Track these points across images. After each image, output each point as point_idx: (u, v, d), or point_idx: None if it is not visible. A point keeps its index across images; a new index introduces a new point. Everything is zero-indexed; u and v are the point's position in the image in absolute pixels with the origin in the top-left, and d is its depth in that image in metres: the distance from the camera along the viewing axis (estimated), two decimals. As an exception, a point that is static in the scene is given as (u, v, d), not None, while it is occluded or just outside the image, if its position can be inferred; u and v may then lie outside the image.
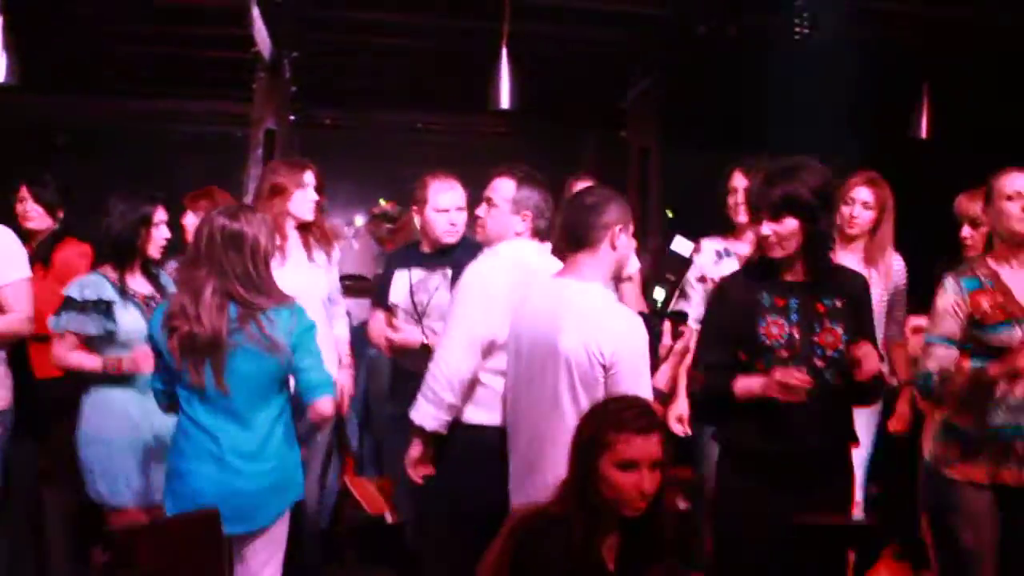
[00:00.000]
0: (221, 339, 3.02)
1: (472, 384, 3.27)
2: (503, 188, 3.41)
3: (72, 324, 3.61)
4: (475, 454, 3.27)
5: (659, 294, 3.34)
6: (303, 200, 4.16)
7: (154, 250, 3.76)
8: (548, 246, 3.46)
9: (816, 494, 3.03)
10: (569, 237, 3.07)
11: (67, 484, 3.94)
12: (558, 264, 3.38)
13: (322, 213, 4.33)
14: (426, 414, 3.26)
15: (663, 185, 7.54)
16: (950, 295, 3.33)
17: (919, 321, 4.02)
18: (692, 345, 3.37)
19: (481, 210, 3.50)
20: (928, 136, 6.59)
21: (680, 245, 3.40)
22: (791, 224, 2.98)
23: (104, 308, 3.61)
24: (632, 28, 6.63)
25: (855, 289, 3.16)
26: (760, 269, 3.14)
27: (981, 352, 3.27)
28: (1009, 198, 3.29)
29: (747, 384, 3.03)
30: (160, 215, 3.74)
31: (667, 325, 3.16)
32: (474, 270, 3.32)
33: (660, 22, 6.37)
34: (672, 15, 6.18)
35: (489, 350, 3.24)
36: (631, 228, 3.08)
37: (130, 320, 3.63)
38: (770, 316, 3.06)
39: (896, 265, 4.31)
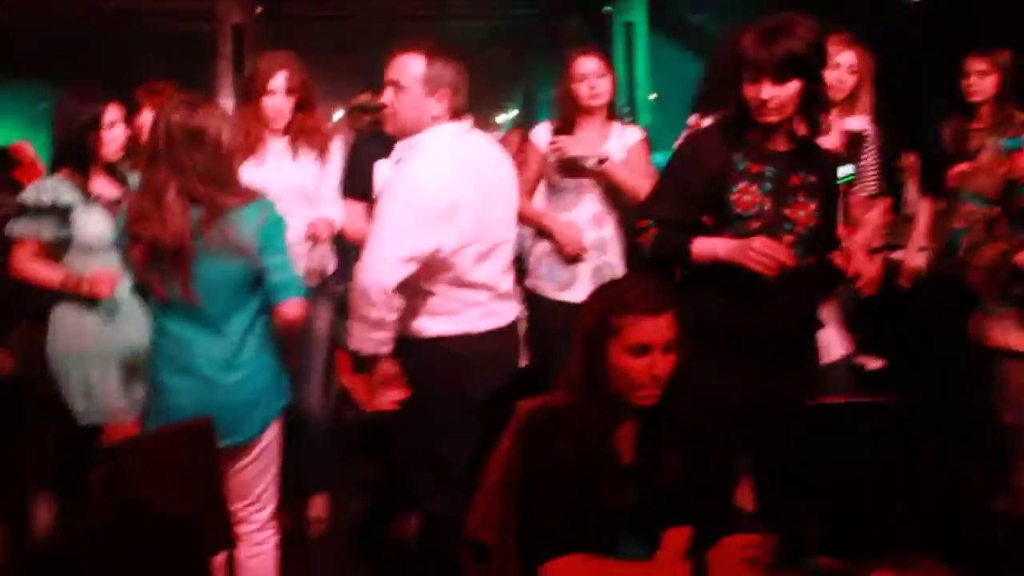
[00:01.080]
0: (186, 245, 2.84)
1: (424, 295, 2.99)
2: (411, 67, 2.99)
3: (28, 229, 3.43)
4: (442, 364, 2.98)
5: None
6: (270, 106, 3.94)
7: (111, 152, 3.53)
8: (469, 123, 3.10)
9: (784, 376, 2.83)
10: None
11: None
12: (488, 144, 3.17)
13: (305, 108, 4.07)
14: (366, 339, 2.97)
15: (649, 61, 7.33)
16: (988, 152, 3.16)
17: None
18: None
19: (387, 96, 3.05)
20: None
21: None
22: (794, 86, 2.77)
23: (61, 212, 3.42)
24: None
25: (828, 166, 2.95)
26: (737, 129, 2.86)
27: (1017, 214, 3.11)
28: None
29: (710, 245, 2.78)
30: (112, 114, 3.51)
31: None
32: (400, 177, 2.96)
33: None
34: None
35: (432, 263, 2.94)
36: None
37: (93, 225, 3.44)
38: (743, 182, 2.81)
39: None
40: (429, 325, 3.00)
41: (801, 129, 2.86)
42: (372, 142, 4.04)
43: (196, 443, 2.81)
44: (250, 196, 2.89)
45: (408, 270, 2.89)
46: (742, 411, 2.76)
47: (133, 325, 3.31)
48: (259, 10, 6.82)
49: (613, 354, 2.21)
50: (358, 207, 3.91)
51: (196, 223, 2.80)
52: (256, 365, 2.98)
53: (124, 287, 3.28)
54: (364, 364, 4.28)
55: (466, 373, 2.96)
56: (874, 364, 4.25)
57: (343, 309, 4.36)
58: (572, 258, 3.97)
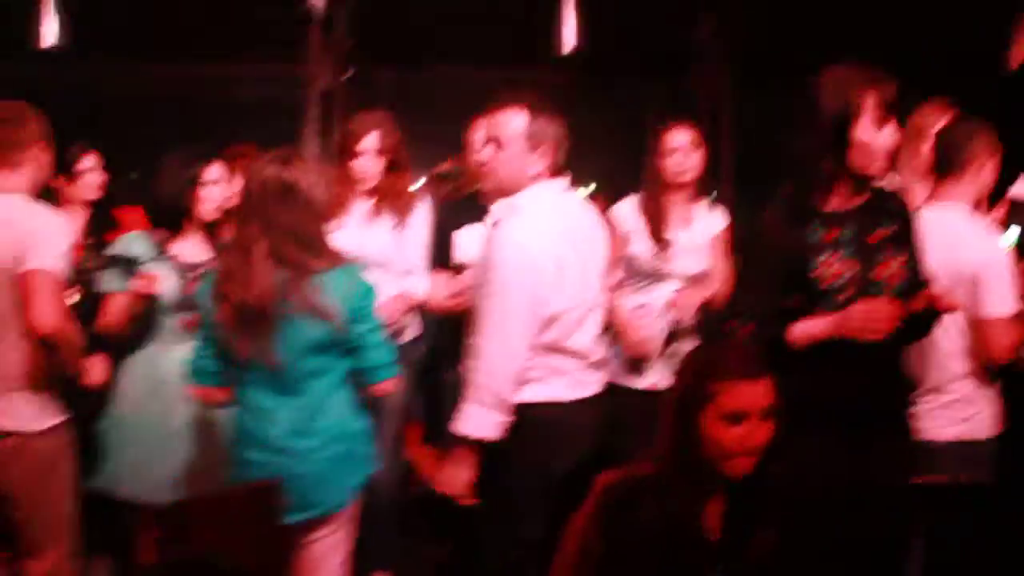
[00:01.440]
0: (270, 307, 2.77)
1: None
2: (512, 122, 2.88)
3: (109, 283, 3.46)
4: (531, 434, 2.86)
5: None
6: (359, 167, 3.91)
7: (207, 211, 3.53)
8: (568, 181, 3.02)
9: (881, 450, 2.69)
10: None
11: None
12: (585, 205, 3.06)
13: (396, 171, 4.03)
14: (482, 422, 2.81)
15: (736, 134, 7.19)
16: None
17: None
18: None
19: (486, 153, 2.96)
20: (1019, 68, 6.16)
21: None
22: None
23: (125, 264, 3.40)
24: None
25: (902, 209, 2.79)
26: (801, 199, 2.73)
27: None
28: None
29: (806, 330, 2.63)
30: (212, 173, 3.52)
31: None
32: (507, 238, 2.84)
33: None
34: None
35: (542, 329, 2.85)
36: None
37: (164, 286, 3.43)
38: (823, 254, 2.67)
39: None
40: (518, 392, 2.85)
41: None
42: (455, 210, 4.01)
43: (263, 507, 2.72)
44: (339, 260, 2.83)
45: (529, 343, 2.79)
46: (843, 487, 2.59)
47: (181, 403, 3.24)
48: (347, 75, 6.87)
49: (707, 421, 2.09)
50: (440, 277, 3.85)
51: (282, 285, 2.75)
52: (335, 433, 2.88)
53: (176, 362, 3.22)
54: (435, 438, 4.18)
55: (550, 442, 2.84)
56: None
57: (417, 377, 4.29)
58: (636, 360, 3.83)
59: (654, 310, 3.89)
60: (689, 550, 2.12)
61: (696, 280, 3.93)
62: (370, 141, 3.90)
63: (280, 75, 7.55)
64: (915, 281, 2.71)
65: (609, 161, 5.04)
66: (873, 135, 2.61)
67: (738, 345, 2.23)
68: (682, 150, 3.91)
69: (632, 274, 3.96)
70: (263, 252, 2.77)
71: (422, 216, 4.07)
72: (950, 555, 2.71)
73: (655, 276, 3.94)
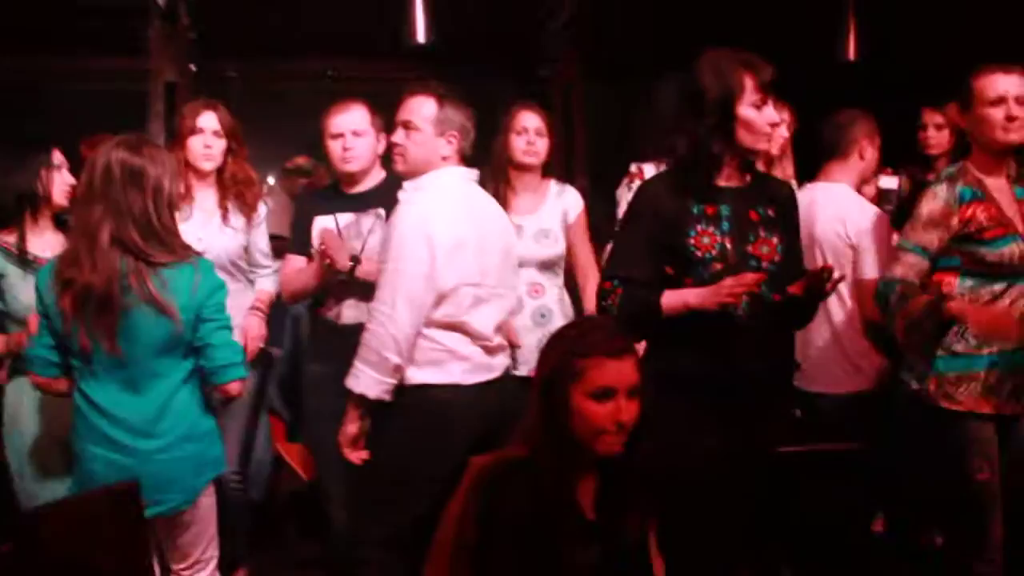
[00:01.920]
0: (114, 293, 2.68)
1: (416, 341, 2.98)
2: (423, 108, 3.12)
3: None
4: (427, 416, 3.00)
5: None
6: (197, 146, 3.83)
7: (59, 196, 3.40)
8: (475, 172, 3.20)
9: (760, 421, 2.84)
10: None
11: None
12: (489, 198, 3.20)
13: (236, 158, 3.98)
14: (370, 381, 2.96)
15: (588, 120, 7.31)
16: (939, 202, 3.12)
17: None
18: None
19: (399, 136, 3.17)
20: (856, 58, 6.46)
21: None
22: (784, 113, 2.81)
23: None
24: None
25: (784, 197, 2.97)
26: (686, 173, 2.86)
27: (974, 268, 3.08)
28: (992, 103, 3.09)
29: (680, 296, 2.75)
30: (58, 157, 3.39)
31: None
32: (408, 212, 3.01)
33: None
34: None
35: (436, 303, 2.98)
36: None
37: (30, 293, 3.25)
38: (700, 225, 2.81)
39: None
40: (416, 373, 2.99)
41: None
42: (320, 198, 3.99)
43: (119, 510, 2.65)
44: (186, 253, 2.76)
45: (426, 310, 2.92)
46: (716, 459, 2.68)
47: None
48: (193, 69, 6.70)
49: (575, 399, 2.12)
50: (300, 261, 3.82)
51: (125, 273, 2.66)
52: (180, 433, 2.83)
53: None
54: (297, 432, 4.15)
55: (447, 423, 2.95)
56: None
57: (272, 374, 4.24)
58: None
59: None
60: (564, 530, 2.14)
61: (548, 264, 3.98)
62: (207, 119, 3.87)
63: (124, 68, 7.31)
64: (788, 263, 2.82)
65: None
66: (755, 113, 2.74)
67: (603, 323, 2.29)
68: (533, 130, 4.00)
69: None
70: (107, 236, 2.68)
71: (263, 212, 4.07)
72: (828, 519, 2.84)
73: None
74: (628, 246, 2.91)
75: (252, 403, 4.10)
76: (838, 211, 3.74)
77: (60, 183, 3.42)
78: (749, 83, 2.77)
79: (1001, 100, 3.08)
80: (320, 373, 3.53)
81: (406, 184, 3.13)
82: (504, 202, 3.91)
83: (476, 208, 3.13)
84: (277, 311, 4.32)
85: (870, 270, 3.62)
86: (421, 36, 5.28)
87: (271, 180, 9.22)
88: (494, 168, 4.06)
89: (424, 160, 3.12)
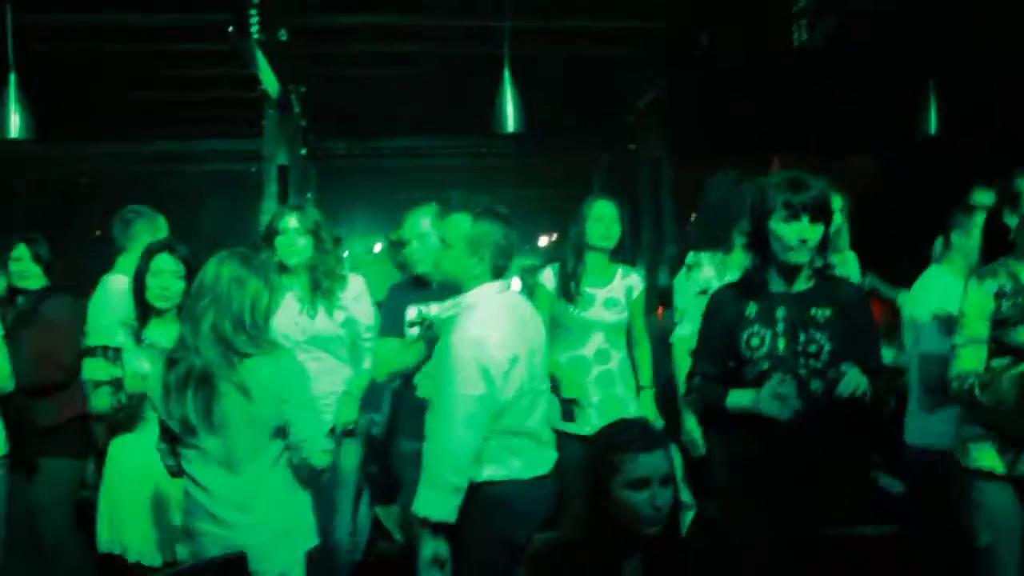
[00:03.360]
0: (211, 375, 3.01)
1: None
2: (458, 226, 3.23)
3: (85, 371, 3.71)
4: (489, 508, 3.10)
5: None
6: (284, 245, 4.19)
7: (157, 299, 3.72)
8: (511, 281, 3.34)
9: (821, 507, 3.01)
10: None
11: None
12: (524, 300, 3.37)
13: (325, 252, 4.29)
14: (438, 505, 3.03)
15: (676, 196, 7.57)
16: (975, 298, 3.31)
17: None
18: None
19: (435, 248, 3.34)
20: (938, 132, 6.56)
21: None
22: (821, 228, 3.03)
23: (112, 355, 3.65)
24: (632, 41, 6.62)
25: (847, 297, 3.16)
26: (750, 280, 3.16)
27: (1002, 352, 3.24)
28: None
29: (738, 399, 3.06)
30: (160, 263, 3.73)
31: None
32: (463, 334, 3.11)
33: (660, 33, 6.35)
34: (671, 24, 6.17)
35: (500, 413, 3.12)
36: None
37: (141, 369, 3.61)
38: (754, 326, 3.09)
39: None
40: (477, 471, 3.11)
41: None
42: (408, 288, 4.22)
43: None
44: (271, 348, 3.09)
45: (486, 425, 3.07)
46: (766, 540, 2.94)
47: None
48: (304, 152, 7.19)
49: (615, 490, 2.38)
50: (394, 342, 4.04)
51: (218, 361, 3.00)
52: (275, 508, 3.10)
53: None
54: (394, 496, 4.33)
55: (511, 516, 3.10)
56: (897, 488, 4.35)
57: (371, 442, 4.53)
58: (569, 400, 4.10)
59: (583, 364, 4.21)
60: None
61: (615, 329, 4.25)
62: (291, 221, 4.19)
63: (240, 150, 7.89)
64: (834, 362, 3.04)
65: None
66: (784, 228, 2.99)
67: (635, 422, 2.55)
68: (609, 218, 4.27)
69: (561, 332, 4.26)
70: (210, 322, 3.03)
71: (360, 294, 4.35)
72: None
73: (581, 330, 4.25)
74: (702, 347, 3.25)
75: (360, 472, 4.42)
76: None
77: (155, 288, 3.69)
78: (780, 200, 3.02)
79: None
80: (411, 448, 3.72)
81: (451, 301, 3.25)
82: (578, 278, 4.22)
83: (519, 318, 3.25)
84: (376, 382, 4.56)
85: None
86: (511, 126, 5.58)
87: (379, 248, 9.69)
88: (573, 248, 4.33)
89: (456, 276, 3.23)
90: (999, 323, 3.22)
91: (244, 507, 3.06)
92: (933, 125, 6.45)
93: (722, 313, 3.17)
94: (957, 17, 5.85)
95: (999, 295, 3.24)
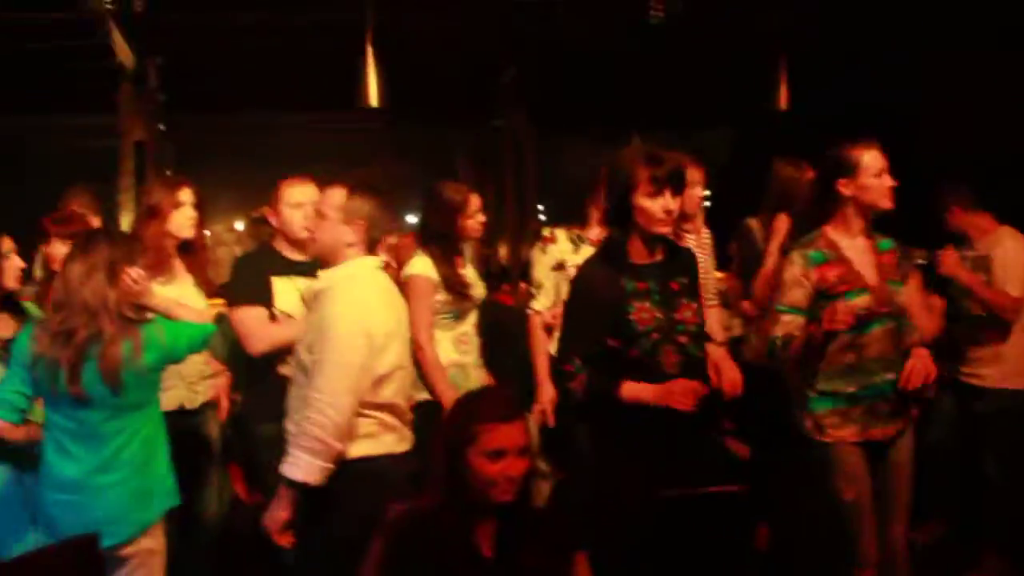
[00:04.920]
0: (82, 338, 3.03)
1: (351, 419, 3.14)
2: (332, 197, 3.27)
3: None
4: (368, 486, 3.10)
5: None
6: (181, 219, 4.12)
7: (11, 280, 3.63)
8: (383, 260, 3.37)
9: (690, 466, 3.14)
10: None
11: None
12: (390, 280, 3.38)
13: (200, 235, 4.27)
14: (313, 468, 3.03)
15: (540, 172, 7.68)
16: (796, 267, 3.51)
17: None
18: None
19: (312, 222, 3.36)
20: (788, 107, 6.82)
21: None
22: (679, 200, 3.14)
23: None
24: (495, 16, 6.64)
25: (691, 264, 3.33)
26: (614, 256, 3.23)
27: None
28: (877, 175, 3.47)
29: (637, 391, 3.11)
30: (7, 245, 3.62)
31: None
32: (341, 304, 3.15)
33: (522, 8, 6.39)
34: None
35: (373, 386, 3.14)
36: None
37: None
38: (636, 301, 3.16)
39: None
40: (352, 447, 3.13)
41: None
42: (272, 260, 4.16)
43: (80, 562, 2.86)
44: (139, 320, 3.11)
45: (364, 395, 3.10)
46: (644, 499, 3.04)
47: None
48: (162, 127, 7.02)
49: (472, 458, 2.43)
50: (261, 312, 3.98)
51: (91, 329, 3.00)
52: (135, 467, 3.17)
53: None
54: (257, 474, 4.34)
55: (382, 491, 3.04)
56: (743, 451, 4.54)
57: (234, 419, 4.49)
58: None
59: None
60: (466, 569, 2.46)
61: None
62: (186, 194, 4.12)
63: (94, 125, 7.64)
64: (702, 325, 3.25)
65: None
66: (649, 202, 3.09)
67: (496, 391, 2.60)
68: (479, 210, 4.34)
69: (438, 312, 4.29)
70: (85, 287, 3.05)
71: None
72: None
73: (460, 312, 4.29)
74: (577, 329, 3.27)
75: (217, 448, 4.38)
76: None
77: (11, 269, 3.64)
78: (644, 175, 3.12)
79: (883, 172, 3.48)
80: (268, 432, 3.68)
81: (322, 273, 3.29)
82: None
83: (392, 296, 3.33)
84: (234, 359, 4.50)
85: None
86: (374, 100, 5.58)
87: (240, 227, 9.54)
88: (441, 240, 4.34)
89: (330, 247, 3.27)
90: (819, 292, 3.43)
91: (105, 468, 3.10)
92: (783, 100, 6.72)
93: (596, 291, 3.20)
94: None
95: (816, 263, 3.46)
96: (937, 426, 4.75)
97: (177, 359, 3.35)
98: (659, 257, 3.22)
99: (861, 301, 3.40)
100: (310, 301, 3.44)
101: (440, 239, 4.26)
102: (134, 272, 3.18)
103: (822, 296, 3.45)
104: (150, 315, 3.22)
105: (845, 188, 3.51)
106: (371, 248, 3.27)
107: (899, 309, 3.47)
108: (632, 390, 3.11)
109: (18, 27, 6.16)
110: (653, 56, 6.83)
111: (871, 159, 3.49)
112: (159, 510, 3.25)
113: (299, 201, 4.04)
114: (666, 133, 6.21)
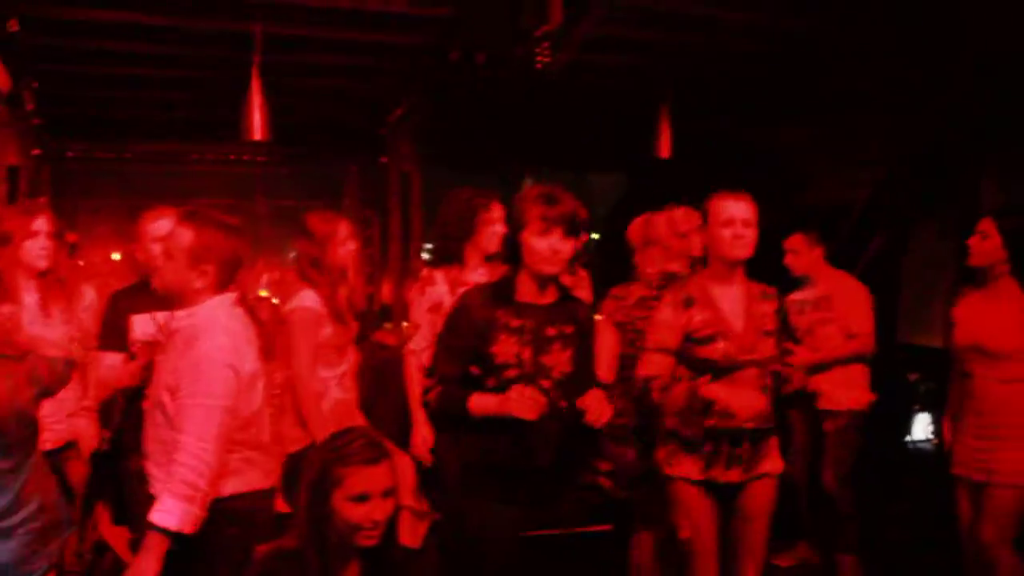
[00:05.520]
0: None
1: None
2: (180, 237, 3.09)
3: None
4: (237, 522, 3.04)
5: None
6: (33, 248, 3.99)
7: None
8: (236, 296, 3.21)
9: (546, 509, 3.20)
10: None
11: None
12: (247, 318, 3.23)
13: (68, 256, 4.15)
14: (189, 517, 2.90)
15: (425, 208, 7.70)
16: (667, 309, 3.58)
17: None
18: None
19: (159, 258, 3.21)
20: (670, 155, 6.97)
21: None
22: (572, 243, 3.16)
23: None
24: (385, 56, 6.67)
25: (583, 317, 3.34)
26: (499, 289, 3.26)
27: (690, 362, 3.58)
28: (723, 224, 3.54)
29: (482, 402, 3.14)
30: None
31: None
32: (207, 346, 3.03)
33: (414, 48, 6.44)
34: (425, 43, 6.26)
35: (242, 427, 3.09)
36: None
37: None
38: (504, 334, 3.18)
39: None
40: (218, 485, 3.03)
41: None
42: (135, 296, 4.06)
43: None
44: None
45: (228, 443, 3.01)
46: (509, 537, 3.13)
47: None
48: (37, 152, 6.82)
49: (336, 502, 2.41)
50: (116, 358, 3.91)
51: None
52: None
53: None
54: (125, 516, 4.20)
55: (252, 529, 3.03)
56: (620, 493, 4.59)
57: (96, 460, 4.36)
58: None
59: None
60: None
61: None
62: (41, 223, 4.00)
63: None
64: (582, 379, 3.24)
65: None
66: (538, 241, 3.12)
67: (361, 434, 2.57)
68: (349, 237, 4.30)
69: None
70: None
71: (90, 302, 4.20)
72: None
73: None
74: (446, 349, 3.29)
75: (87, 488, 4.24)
76: None
77: None
78: (535, 214, 3.15)
79: (730, 222, 3.53)
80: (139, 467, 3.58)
81: (179, 314, 3.15)
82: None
83: (248, 335, 3.21)
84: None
85: None
86: (258, 133, 5.51)
87: (116, 257, 9.28)
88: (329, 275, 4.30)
89: (178, 288, 3.13)
90: (685, 335, 3.51)
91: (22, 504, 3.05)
92: (664, 148, 6.87)
93: (471, 316, 3.22)
94: (685, 51, 6.27)
95: (688, 307, 3.57)
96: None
97: (52, 394, 3.26)
98: (547, 300, 3.24)
99: (723, 347, 3.49)
100: (165, 339, 3.29)
101: (316, 268, 4.21)
102: (5, 309, 3.08)
103: (688, 339, 3.53)
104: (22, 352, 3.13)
105: (702, 237, 3.63)
106: (222, 288, 3.14)
107: (765, 359, 3.56)
108: (480, 402, 3.15)
109: None
110: (543, 102, 6.94)
111: (718, 209, 3.56)
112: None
113: (162, 236, 3.91)
114: (560, 175, 6.33)
